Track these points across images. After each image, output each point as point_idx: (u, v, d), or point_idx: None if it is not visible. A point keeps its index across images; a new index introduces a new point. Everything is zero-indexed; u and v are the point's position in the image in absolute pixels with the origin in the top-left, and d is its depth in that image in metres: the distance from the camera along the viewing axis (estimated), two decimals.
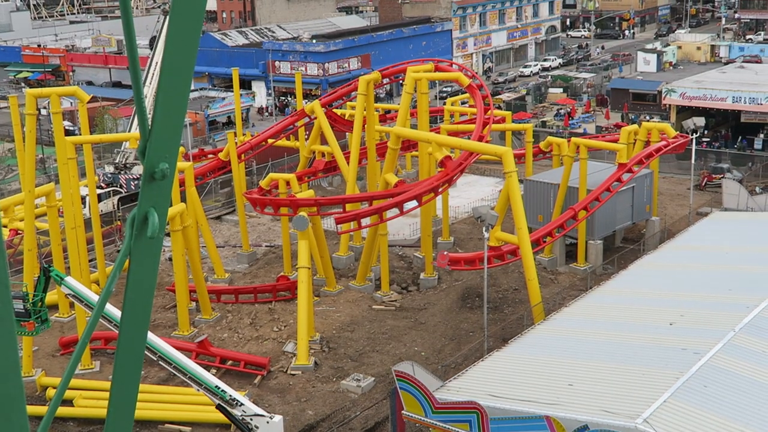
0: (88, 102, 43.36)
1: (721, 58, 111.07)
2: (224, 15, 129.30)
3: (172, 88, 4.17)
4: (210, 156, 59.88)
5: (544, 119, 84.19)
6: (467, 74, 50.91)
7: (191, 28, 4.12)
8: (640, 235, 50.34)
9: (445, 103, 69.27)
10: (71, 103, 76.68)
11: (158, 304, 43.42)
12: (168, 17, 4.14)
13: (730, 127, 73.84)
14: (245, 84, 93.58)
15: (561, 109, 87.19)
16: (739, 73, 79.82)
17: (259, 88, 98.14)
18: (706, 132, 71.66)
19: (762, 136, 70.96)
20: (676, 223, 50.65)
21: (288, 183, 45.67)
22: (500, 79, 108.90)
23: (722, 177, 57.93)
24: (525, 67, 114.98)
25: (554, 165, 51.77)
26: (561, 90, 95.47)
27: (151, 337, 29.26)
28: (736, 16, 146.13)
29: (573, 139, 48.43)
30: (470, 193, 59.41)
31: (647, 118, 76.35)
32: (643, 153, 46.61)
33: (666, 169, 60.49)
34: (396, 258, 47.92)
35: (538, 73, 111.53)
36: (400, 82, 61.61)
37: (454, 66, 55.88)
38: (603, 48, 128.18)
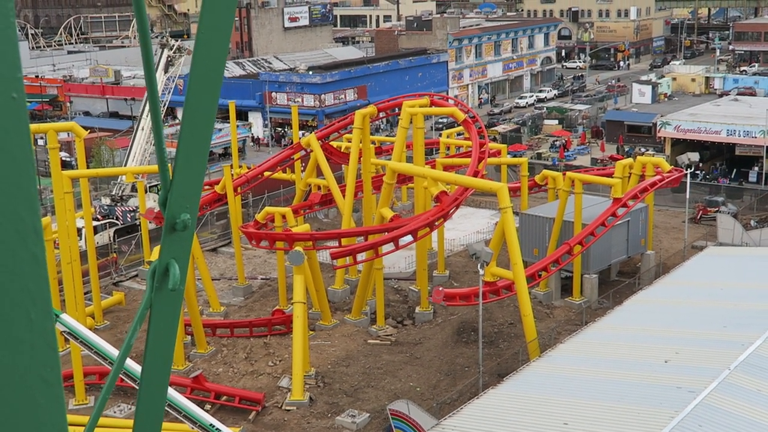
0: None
1: (716, 89, 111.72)
2: None
3: (193, 137, 4.17)
4: (206, 187, 59.87)
5: (540, 151, 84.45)
6: (462, 109, 51.19)
7: (213, 77, 4.15)
8: (636, 268, 50.39)
9: (441, 135, 69.53)
10: (68, 134, 76.79)
11: None
12: (190, 66, 4.16)
13: (725, 160, 74.17)
14: (242, 115, 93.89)
15: (556, 140, 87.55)
16: (733, 105, 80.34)
17: (255, 119, 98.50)
18: (700, 165, 71.99)
19: (756, 169, 71.28)
20: (672, 257, 50.72)
21: (284, 216, 45.76)
22: (495, 111, 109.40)
23: (717, 210, 58.08)
24: (520, 98, 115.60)
25: (549, 198, 51.95)
26: (556, 122, 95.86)
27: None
28: (730, 47, 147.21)
29: (568, 173, 48.62)
30: (466, 226, 59.44)
31: (642, 150, 76.71)
32: (638, 188, 46.80)
33: (661, 201, 60.65)
34: (391, 291, 47.91)
35: (533, 104, 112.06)
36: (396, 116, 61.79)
37: (449, 101, 56.20)
38: (618, 80, 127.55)
